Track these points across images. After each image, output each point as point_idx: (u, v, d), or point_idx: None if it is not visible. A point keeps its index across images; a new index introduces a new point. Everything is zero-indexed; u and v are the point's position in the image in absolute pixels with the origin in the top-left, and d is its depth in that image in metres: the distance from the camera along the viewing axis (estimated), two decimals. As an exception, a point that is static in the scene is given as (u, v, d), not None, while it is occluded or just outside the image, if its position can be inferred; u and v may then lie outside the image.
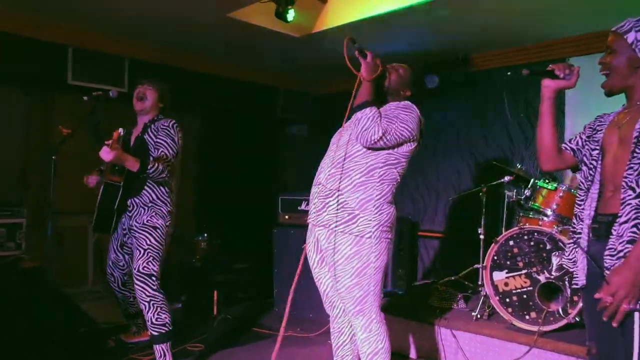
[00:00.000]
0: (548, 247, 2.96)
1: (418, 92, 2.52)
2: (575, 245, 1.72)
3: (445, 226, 5.04)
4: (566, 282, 2.87)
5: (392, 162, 2.28)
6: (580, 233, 1.71)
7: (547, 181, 3.32)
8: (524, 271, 3.03)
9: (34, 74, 4.25)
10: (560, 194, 3.27)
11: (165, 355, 2.88)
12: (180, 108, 4.89)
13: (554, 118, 1.80)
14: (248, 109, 5.70)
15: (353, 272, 2.22)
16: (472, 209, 3.94)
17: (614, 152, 1.65)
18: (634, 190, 1.53)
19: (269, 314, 4.35)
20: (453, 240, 4.93)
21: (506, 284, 3.09)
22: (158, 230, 2.93)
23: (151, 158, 2.90)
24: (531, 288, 3.00)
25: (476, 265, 3.50)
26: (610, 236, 1.56)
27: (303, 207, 4.31)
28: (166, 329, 2.89)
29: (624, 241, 1.52)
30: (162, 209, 2.96)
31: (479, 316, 3.23)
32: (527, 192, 3.37)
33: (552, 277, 2.92)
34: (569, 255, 1.77)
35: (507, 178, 3.53)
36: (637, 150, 1.55)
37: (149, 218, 2.93)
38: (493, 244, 3.15)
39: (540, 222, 3.23)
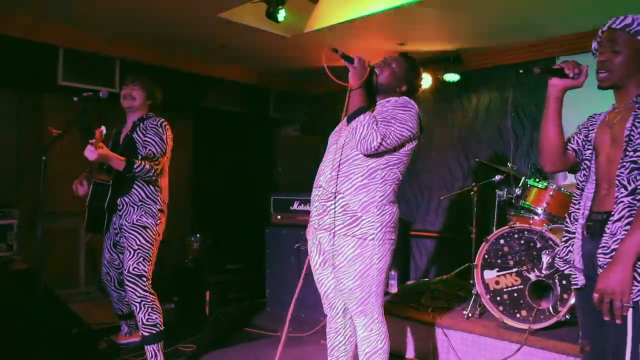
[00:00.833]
0: (538, 245, 2.98)
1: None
2: (569, 246, 1.73)
3: (437, 225, 5.06)
4: (556, 280, 2.89)
5: (394, 162, 2.24)
6: (574, 233, 1.71)
7: (537, 180, 3.34)
8: (514, 269, 3.05)
9: (24, 74, 4.24)
10: (551, 193, 3.29)
11: (156, 356, 2.88)
12: (173, 108, 4.90)
13: (560, 118, 1.75)
14: (240, 109, 5.70)
15: (356, 274, 2.21)
16: (464, 208, 3.96)
17: (607, 151, 1.66)
18: (626, 188, 1.55)
19: (262, 314, 4.35)
20: (445, 239, 4.95)
21: (497, 283, 3.10)
22: (148, 229, 2.93)
23: (139, 157, 2.90)
24: (522, 286, 3.02)
25: (468, 264, 3.51)
26: (604, 234, 1.57)
27: (295, 207, 4.32)
28: (157, 329, 2.89)
29: (617, 239, 1.53)
30: (151, 207, 2.96)
31: (470, 315, 3.25)
32: (518, 191, 3.39)
33: (543, 275, 2.94)
34: (561, 254, 1.76)
35: (498, 177, 3.55)
36: (628, 149, 1.56)
37: (138, 217, 2.92)
38: (484, 243, 3.16)
39: (530, 221, 3.25)
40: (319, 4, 4.36)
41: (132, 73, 3.23)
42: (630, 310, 1.48)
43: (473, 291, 3.27)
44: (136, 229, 2.91)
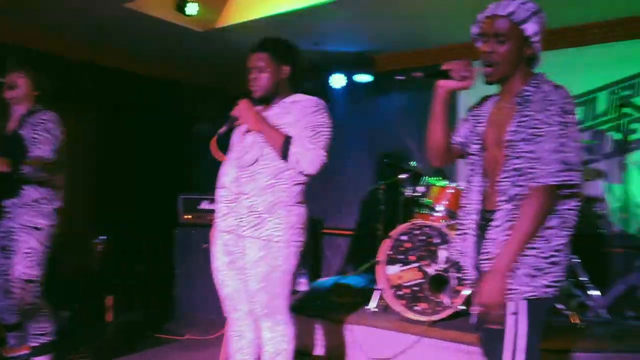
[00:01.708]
0: (436, 241, 3.11)
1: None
2: (462, 240, 1.74)
3: (348, 223, 5.16)
4: (452, 273, 3.04)
5: None
6: (467, 227, 1.72)
7: (438, 178, 3.50)
8: (415, 264, 3.17)
9: None
10: (451, 191, 3.45)
11: (46, 368, 2.70)
12: (75, 100, 4.61)
13: (446, 118, 1.75)
14: (150, 104, 5.47)
15: (261, 277, 2.18)
16: (373, 206, 4.05)
17: (493, 150, 1.66)
18: (506, 194, 1.57)
19: (169, 317, 4.20)
20: (356, 237, 5.06)
21: (399, 277, 3.21)
22: (41, 231, 2.73)
23: (27, 156, 2.69)
24: (422, 280, 3.14)
25: (374, 261, 3.60)
26: (487, 238, 1.61)
27: (203, 206, 4.22)
28: (48, 339, 2.70)
29: (497, 245, 1.57)
30: (45, 207, 2.76)
31: (375, 310, 3.33)
32: (421, 189, 3.53)
33: (440, 269, 3.08)
34: (456, 246, 1.79)
35: (403, 175, 3.67)
36: (511, 154, 1.56)
37: (30, 218, 2.71)
38: (386, 239, 3.26)
39: (432, 218, 3.39)
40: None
41: (28, 62, 2.96)
42: (525, 303, 1.53)
43: (376, 287, 3.36)
44: (27, 231, 2.70)
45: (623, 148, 3.83)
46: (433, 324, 3.02)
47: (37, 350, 2.69)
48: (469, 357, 2.74)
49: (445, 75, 1.68)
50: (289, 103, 2.28)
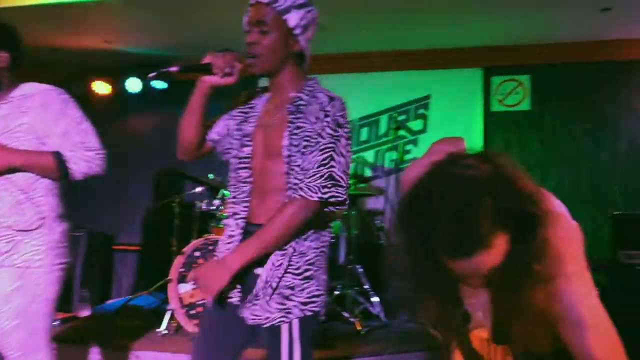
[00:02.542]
0: (231, 256, 3.04)
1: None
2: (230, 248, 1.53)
3: (142, 239, 4.80)
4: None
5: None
6: (234, 237, 1.54)
7: (235, 192, 3.44)
8: (209, 281, 3.05)
9: None
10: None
11: None
12: None
13: (202, 112, 1.57)
14: None
15: (16, 312, 1.78)
16: (169, 220, 3.81)
17: (262, 159, 1.53)
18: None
19: None
20: (149, 253, 4.74)
21: (191, 296, 3.05)
22: None
23: None
24: (216, 297, 3.03)
25: (166, 279, 3.37)
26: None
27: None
28: None
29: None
30: None
31: (166, 332, 3.11)
32: (217, 202, 3.43)
33: (234, 285, 3.01)
34: (221, 252, 1.58)
35: (199, 189, 3.53)
36: (291, 172, 1.46)
37: None
38: (179, 256, 3.08)
39: (227, 232, 3.31)
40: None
41: None
42: (286, 326, 1.46)
43: (168, 307, 3.14)
44: None
45: (399, 166, 4.30)
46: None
47: None
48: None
49: (207, 69, 1.51)
50: (18, 99, 1.85)
